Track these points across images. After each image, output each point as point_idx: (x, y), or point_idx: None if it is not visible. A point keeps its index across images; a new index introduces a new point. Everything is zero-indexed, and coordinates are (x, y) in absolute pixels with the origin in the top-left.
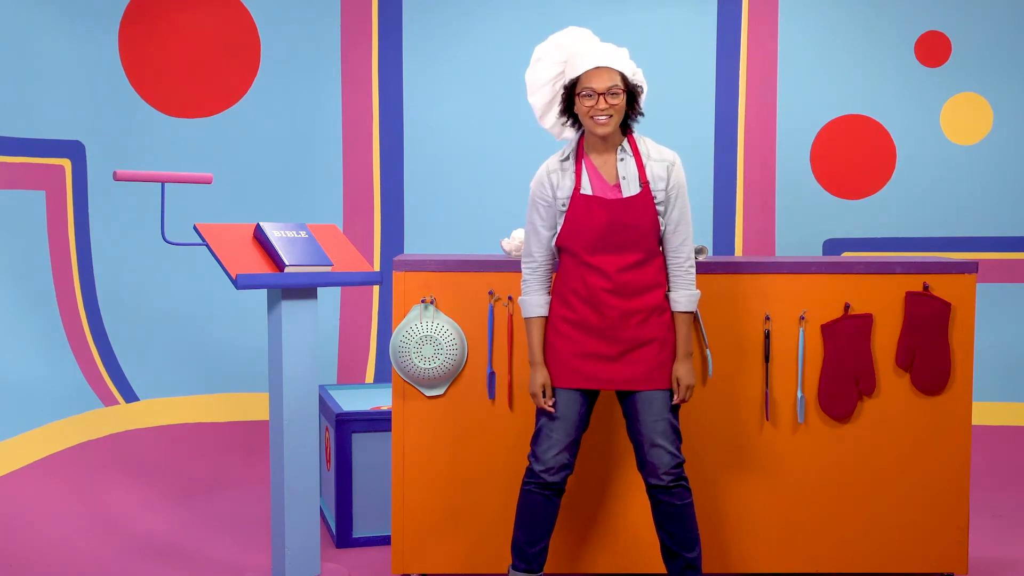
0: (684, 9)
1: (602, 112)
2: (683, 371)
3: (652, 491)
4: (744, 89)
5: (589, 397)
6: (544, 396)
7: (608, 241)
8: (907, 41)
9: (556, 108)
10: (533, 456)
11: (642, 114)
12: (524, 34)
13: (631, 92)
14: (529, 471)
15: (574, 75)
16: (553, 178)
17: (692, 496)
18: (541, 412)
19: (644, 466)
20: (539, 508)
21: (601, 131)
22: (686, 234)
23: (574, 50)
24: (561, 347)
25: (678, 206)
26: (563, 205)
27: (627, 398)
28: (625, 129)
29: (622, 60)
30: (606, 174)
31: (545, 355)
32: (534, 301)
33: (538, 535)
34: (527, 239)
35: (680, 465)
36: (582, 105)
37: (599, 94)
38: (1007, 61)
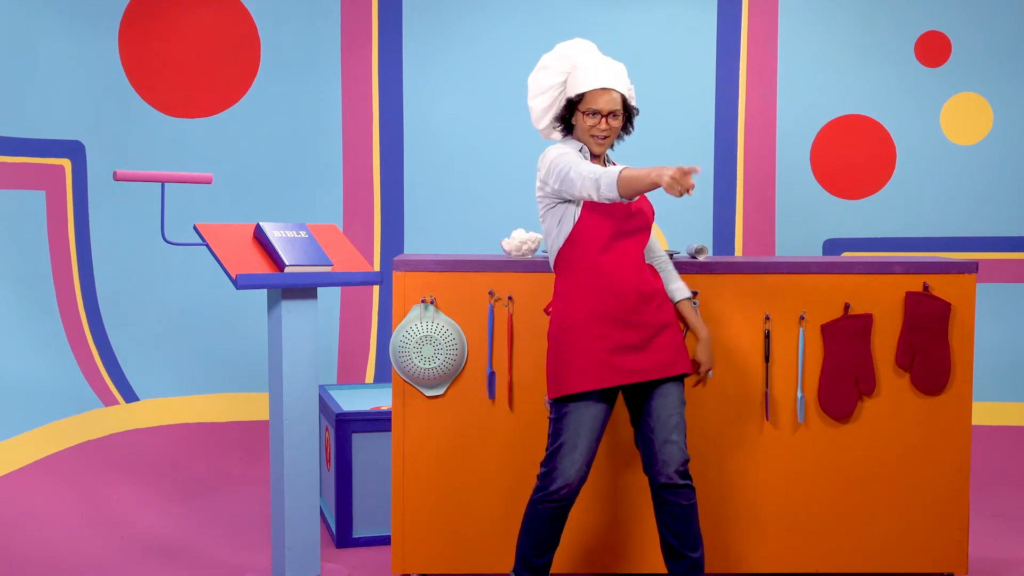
0: (684, 9)
1: (603, 132)
2: (706, 355)
3: (659, 490)
4: (744, 89)
5: (612, 405)
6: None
7: (624, 226)
8: (907, 41)
9: (552, 113)
10: (553, 472)
11: (630, 132)
12: (524, 34)
13: (627, 112)
14: (542, 488)
15: (579, 91)
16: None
17: (696, 496)
18: (559, 420)
19: (653, 464)
20: (550, 524)
21: (597, 150)
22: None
23: (579, 63)
24: (592, 346)
25: None
26: None
27: (642, 394)
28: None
29: (622, 79)
30: None
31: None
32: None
33: (546, 547)
34: (579, 166)
35: (687, 463)
36: (584, 122)
37: (603, 116)
38: (1007, 61)
